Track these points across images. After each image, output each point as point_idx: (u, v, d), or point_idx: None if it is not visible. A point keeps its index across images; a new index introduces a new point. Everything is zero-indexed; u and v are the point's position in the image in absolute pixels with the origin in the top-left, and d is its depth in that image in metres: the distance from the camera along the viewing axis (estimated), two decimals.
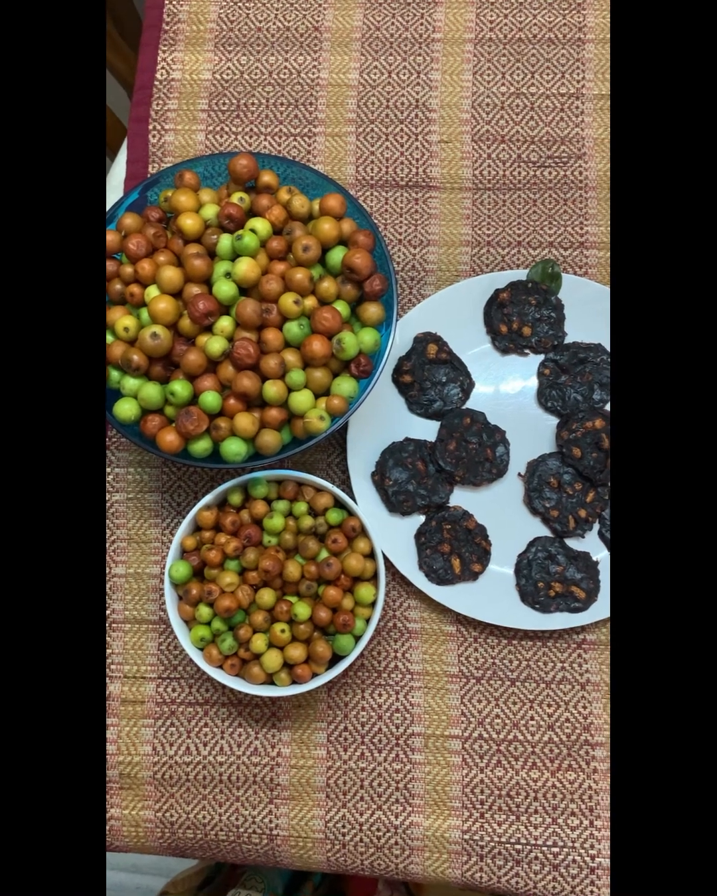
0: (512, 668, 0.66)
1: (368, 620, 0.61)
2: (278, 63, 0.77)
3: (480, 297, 0.70)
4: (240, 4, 0.78)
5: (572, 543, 0.67)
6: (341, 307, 0.61)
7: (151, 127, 0.76)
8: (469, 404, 0.69)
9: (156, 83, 0.77)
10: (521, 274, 0.70)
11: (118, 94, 1.15)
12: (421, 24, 0.77)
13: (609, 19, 0.77)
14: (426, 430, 0.69)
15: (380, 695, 0.66)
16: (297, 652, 0.59)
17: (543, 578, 0.65)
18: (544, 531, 0.67)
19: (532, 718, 0.65)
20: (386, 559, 0.66)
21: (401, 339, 0.69)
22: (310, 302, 0.60)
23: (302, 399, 0.59)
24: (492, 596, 0.66)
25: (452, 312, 0.70)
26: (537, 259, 0.72)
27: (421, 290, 0.72)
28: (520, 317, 0.69)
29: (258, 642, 0.59)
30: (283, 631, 0.59)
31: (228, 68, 0.77)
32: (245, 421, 0.58)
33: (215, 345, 0.58)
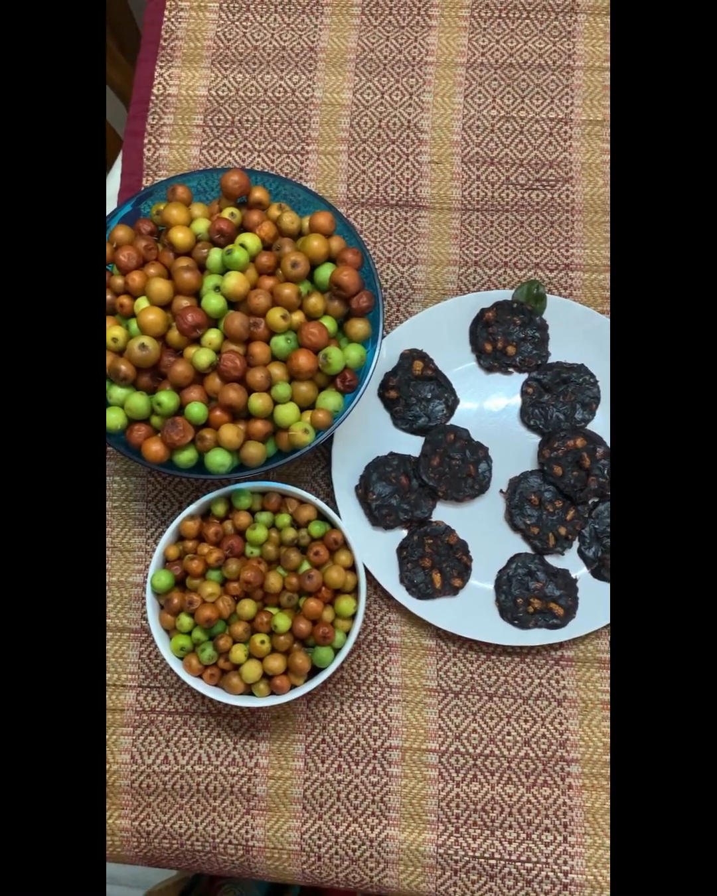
0: (490, 683, 0.66)
1: (348, 633, 0.61)
2: (273, 81, 0.78)
3: (466, 316, 0.71)
4: (237, 23, 0.80)
5: (552, 560, 0.68)
6: (328, 323, 0.62)
7: (146, 141, 0.77)
8: (453, 421, 0.70)
9: (152, 98, 0.78)
10: (506, 294, 0.71)
11: (115, 107, 1.16)
12: (414, 47, 0.78)
13: (598, 48, 0.78)
14: (411, 445, 0.70)
15: (358, 708, 0.66)
16: (276, 663, 0.59)
17: (522, 595, 0.66)
18: (525, 548, 0.68)
19: (509, 734, 0.65)
20: (368, 572, 0.66)
21: (387, 356, 0.70)
22: (297, 317, 0.61)
23: (287, 412, 0.60)
24: (472, 611, 0.66)
25: (438, 330, 0.71)
26: (522, 280, 0.73)
27: (408, 307, 0.73)
28: (505, 336, 0.70)
29: (238, 653, 0.60)
30: (263, 642, 0.60)
31: (224, 85, 0.78)
32: (230, 432, 0.58)
33: (203, 357, 0.58)
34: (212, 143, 0.77)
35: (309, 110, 0.77)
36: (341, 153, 0.76)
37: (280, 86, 0.78)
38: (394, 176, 0.76)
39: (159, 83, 0.78)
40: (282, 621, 0.59)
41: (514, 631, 0.66)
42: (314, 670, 0.61)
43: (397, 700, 0.66)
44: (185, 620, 0.60)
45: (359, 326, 0.62)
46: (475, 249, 0.74)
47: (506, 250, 0.74)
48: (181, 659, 0.61)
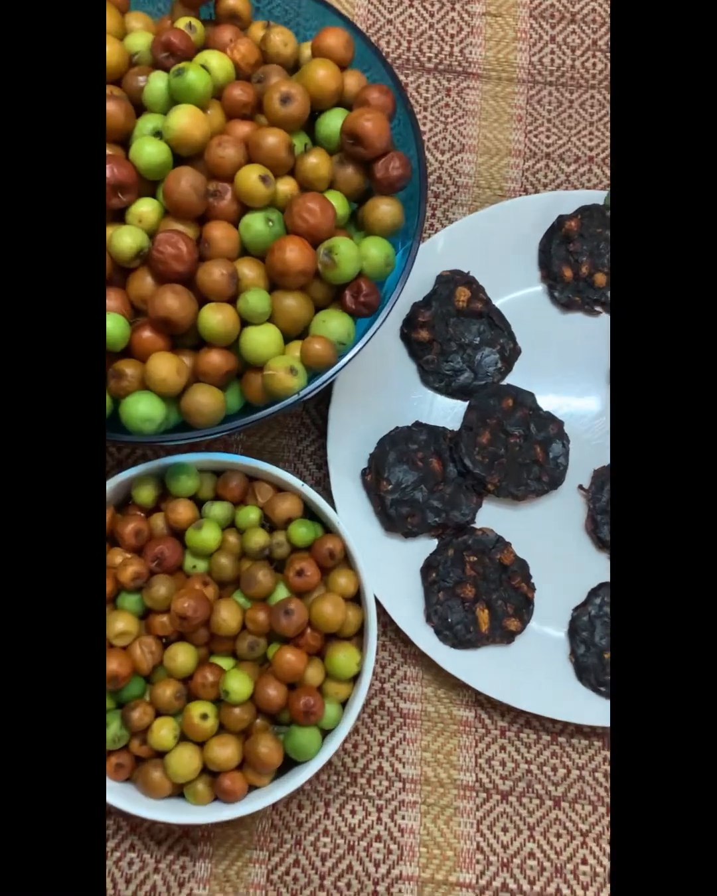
0: (557, 780, 0.43)
1: (344, 704, 0.38)
2: None
3: (534, 227, 0.49)
4: None
5: None
6: (336, 199, 0.39)
7: None
8: (512, 379, 0.47)
9: None
10: (596, 196, 0.48)
11: None
12: None
13: None
14: (447, 412, 0.47)
15: (353, 811, 0.43)
16: (225, 752, 0.36)
17: (609, 647, 0.43)
18: None
19: (585, 861, 0.42)
20: (376, 603, 0.43)
21: (418, 277, 0.47)
22: (286, 186, 0.38)
23: (263, 339, 0.36)
24: (533, 669, 0.44)
25: (493, 245, 0.48)
26: None
27: (449, 211, 0.50)
28: (592, 258, 0.48)
29: (163, 733, 0.36)
30: (204, 716, 0.36)
31: None
32: (165, 367, 0.35)
33: (126, 239, 0.35)
34: None
35: None
36: None
37: None
38: (434, 30, 0.53)
39: None
40: (238, 684, 0.36)
41: (596, 702, 0.43)
42: (288, 761, 0.38)
43: (413, 802, 0.43)
44: None
45: (385, 209, 0.39)
46: (547, 137, 0.51)
47: (592, 141, 0.52)
48: None
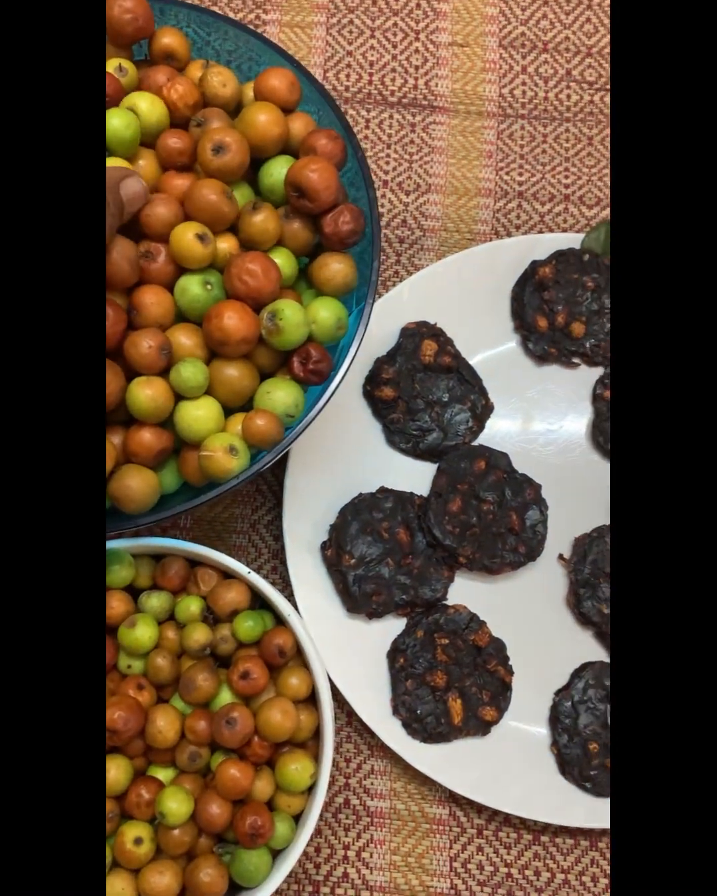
0: (541, 885, 0.39)
1: (298, 820, 0.34)
2: None
3: (506, 274, 0.45)
4: None
5: None
6: (282, 257, 0.35)
7: None
8: (484, 439, 0.44)
9: None
10: (572, 240, 0.45)
11: None
12: None
13: None
14: (415, 476, 0.43)
15: None
16: (163, 881, 0.32)
17: (595, 736, 0.39)
18: (602, 653, 0.41)
19: None
20: (337, 695, 0.39)
21: (381, 330, 0.43)
22: (226, 243, 0.34)
23: (199, 415, 0.33)
24: (511, 763, 0.39)
25: (462, 294, 0.44)
26: (594, 221, 0.47)
27: (415, 257, 0.47)
28: (569, 306, 0.44)
29: None
30: (139, 841, 0.32)
31: None
32: None
33: None
34: None
35: None
36: (317, 26, 0.50)
37: None
38: (397, 62, 0.49)
39: None
40: (175, 804, 0.32)
41: (582, 799, 0.39)
42: (233, 886, 0.34)
43: None
44: None
45: (336, 268, 0.35)
46: (520, 174, 0.48)
47: (567, 178, 0.48)
48: None
